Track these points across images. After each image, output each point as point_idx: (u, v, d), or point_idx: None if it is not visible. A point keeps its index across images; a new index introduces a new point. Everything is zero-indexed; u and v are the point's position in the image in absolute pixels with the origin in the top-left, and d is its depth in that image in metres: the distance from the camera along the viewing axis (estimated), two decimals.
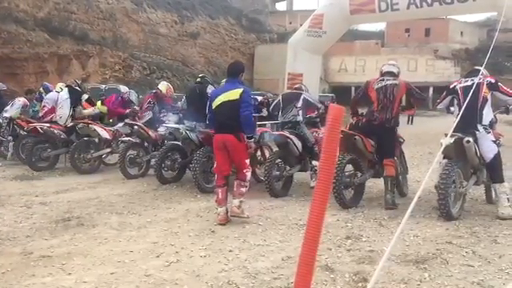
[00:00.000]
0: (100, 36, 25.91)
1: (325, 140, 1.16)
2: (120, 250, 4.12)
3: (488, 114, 5.30)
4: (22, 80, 20.28)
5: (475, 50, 41.65)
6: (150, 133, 8.13)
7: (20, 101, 10.61)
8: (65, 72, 23.57)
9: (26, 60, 21.03)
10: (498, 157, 5.33)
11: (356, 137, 5.77)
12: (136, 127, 8.28)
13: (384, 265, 3.62)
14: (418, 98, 6.11)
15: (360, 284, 3.33)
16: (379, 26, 48.40)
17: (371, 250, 4.13)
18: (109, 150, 8.96)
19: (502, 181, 5.31)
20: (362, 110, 6.25)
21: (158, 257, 3.94)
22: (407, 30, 44.99)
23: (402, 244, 4.28)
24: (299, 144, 6.63)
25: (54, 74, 22.52)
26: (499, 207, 5.24)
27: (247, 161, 5.29)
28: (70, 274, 3.54)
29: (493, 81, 5.45)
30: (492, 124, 5.54)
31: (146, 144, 8.37)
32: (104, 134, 8.69)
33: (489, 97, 5.32)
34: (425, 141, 13.45)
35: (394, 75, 6.05)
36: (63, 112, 9.01)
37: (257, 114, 7.63)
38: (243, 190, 5.18)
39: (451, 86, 5.75)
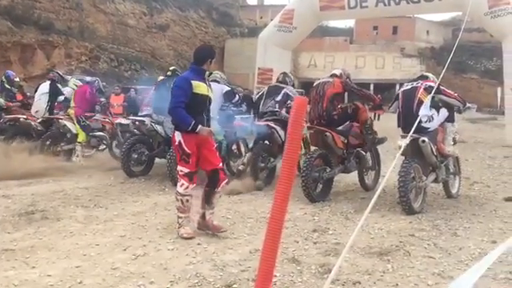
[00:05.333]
0: (66, 26, 25.32)
1: (289, 129, 1.19)
2: (86, 243, 4.06)
3: (425, 116, 5.49)
4: None
5: (440, 49, 42.76)
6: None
7: None
8: (29, 62, 22.94)
9: None
10: (449, 111, 5.72)
11: (326, 133, 5.89)
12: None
13: (349, 257, 3.72)
14: (358, 95, 6.31)
15: (326, 275, 3.39)
16: (348, 23, 49.05)
17: (337, 243, 4.21)
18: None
19: (453, 121, 5.84)
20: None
21: (124, 250, 3.90)
22: (375, 28, 45.75)
23: (366, 237, 4.39)
24: (282, 133, 6.74)
25: (17, 63, 21.90)
26: (446, 145, 5.62)
27: (180, 170, 4.39)
28: (33, 267, 3.47)
29: (433, 85, 5.63)
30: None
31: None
32: (74, 129, 8.55)
33: (426, 100, 5.46)
34: (391, 136, 13.67)
35: (336, 76, 6.30)
36: (40, 106, 9.00)
37: (235, 108, 7.64)
38: (176, 203, 4.40)
39: (397, 91, 6.02)
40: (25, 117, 8.88)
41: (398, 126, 5.77)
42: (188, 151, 4.31)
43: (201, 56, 4.48)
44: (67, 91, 9.47)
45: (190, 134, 4.29)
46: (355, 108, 6.24)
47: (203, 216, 4.42)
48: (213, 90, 4.73)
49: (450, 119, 5.75)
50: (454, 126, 5.79)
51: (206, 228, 4.40)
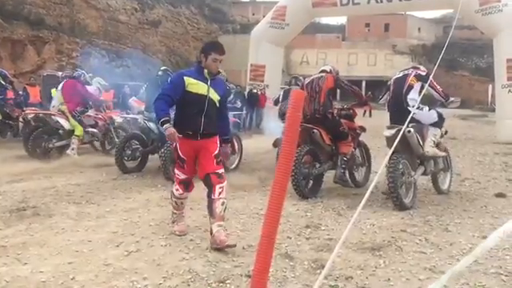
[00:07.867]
0: (56, 21, 25.04)
1: (286, 122, 1.19)
2: (78, 239, 4.05)
3: (413, 99, 5.50)
4: None
5: (432, 46, 42.86)
6: None
7: None
8: (19, 58, 22.72)
9: None
10: (439, 118, 5.72)
11: (314, 130, 5.91)
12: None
13: (342, 252, 3.74)
14: (347, 90, 6.36)
15: (318, 271, 3.41)
16: (340, 20, 49.02)
17: (329, 239, 4.23)
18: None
19: (439, 127, 5.82)
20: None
21: (117, 246, 3.90)
22: (367, 25, 45.78)
23: (359, 232, 4.41)
24: None
25: (8, 59, 21.68)
26: (425, 146, 5.59)
27: (176, 173, 4.28)
28: (25, 263, 3.46)
29: (423, 73, 5.75)
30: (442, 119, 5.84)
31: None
32: (67, 125, 8.51)
33: (416, 85, 5.57)
34: (382, 132, 13.77)
35: (326, 72, 6.40)
36: (56, 102, 9.12)
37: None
38: (170, 201, 4.42)
39: (388, 82, 6.09)
40: (42, 113, 9.08)
41: (388, 111, 5.88)
42: (182, 157, 4.10)
43: (199, 53, 4.18)
44: (92, 90, 9.65)
45: (185, 139, 4.04)
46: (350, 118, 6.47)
47: (211, 231, 3.91)
48: None
49: (436, 125, 5.75)
50: (436, 131, 5.75)
51: (215, 245, 3.83)
